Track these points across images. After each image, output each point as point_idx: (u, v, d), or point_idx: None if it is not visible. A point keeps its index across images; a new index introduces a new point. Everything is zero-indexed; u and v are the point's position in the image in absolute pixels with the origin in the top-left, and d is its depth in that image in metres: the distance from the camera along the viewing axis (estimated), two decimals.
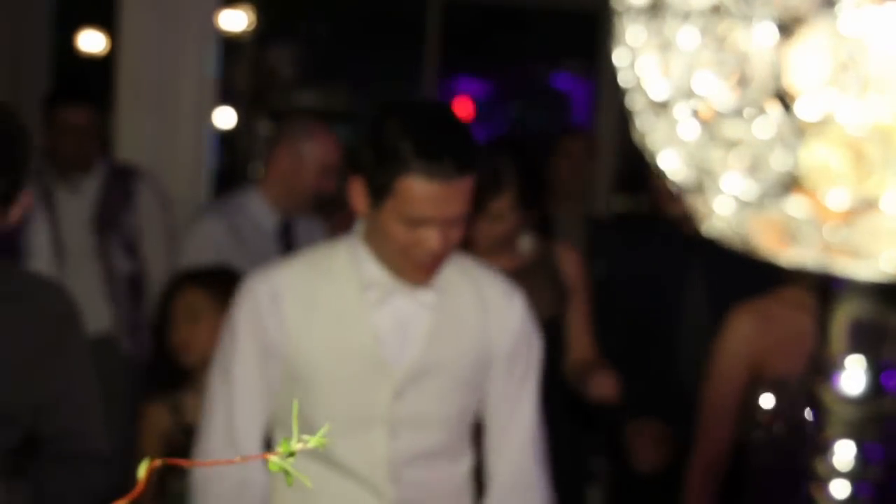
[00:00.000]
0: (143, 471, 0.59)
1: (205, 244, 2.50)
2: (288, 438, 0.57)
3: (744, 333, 1.68)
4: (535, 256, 2.15)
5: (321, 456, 1.47)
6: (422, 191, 1.38)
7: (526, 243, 2.16)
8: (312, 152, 2.55)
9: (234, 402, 1.51)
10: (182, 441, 1.98)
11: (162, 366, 2.03)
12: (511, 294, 1.57)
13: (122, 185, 3.04)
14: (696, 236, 2.09)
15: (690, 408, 1.99)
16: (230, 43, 5.25)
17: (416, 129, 1.41)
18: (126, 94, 3.71)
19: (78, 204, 2.99)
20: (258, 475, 1.50)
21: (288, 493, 1.51)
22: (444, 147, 1.40)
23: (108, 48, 5.56)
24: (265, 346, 1.50)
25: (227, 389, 1.52)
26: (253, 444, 1.52)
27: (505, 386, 1.60)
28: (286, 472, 0.56)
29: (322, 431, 0.52)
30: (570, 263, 2.17)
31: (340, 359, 1.49)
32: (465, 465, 1.61)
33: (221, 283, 2.04)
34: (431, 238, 1.41)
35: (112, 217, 2.96)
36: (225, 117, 5.70)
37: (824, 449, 0.47)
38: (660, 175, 0.50)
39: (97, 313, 2.88)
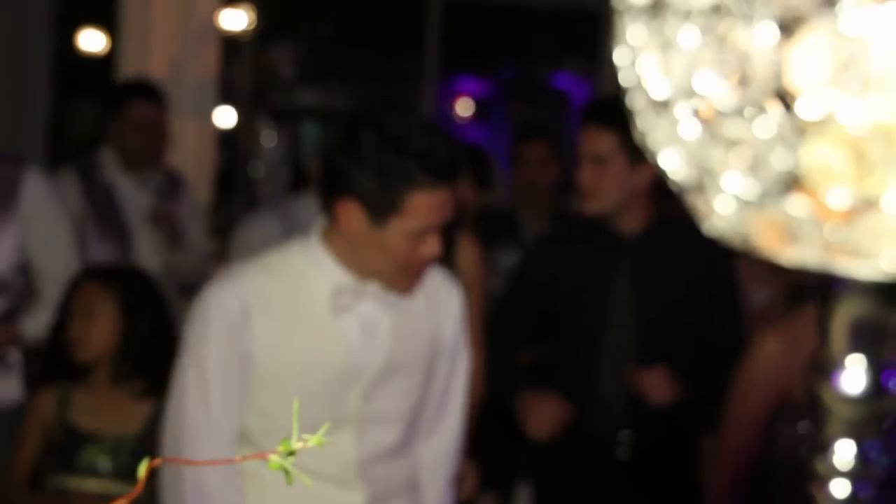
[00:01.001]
0: (142, 470, 0.59)
1: (253, 242, 2.51)
2: (288, 437, 0.57)
3: (771, 354, 1.68)
4: None
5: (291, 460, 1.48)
6: (429, 203, 1.41)
7: None
8: None
9: (210, 404, 1.51)
10: (61, 439, 1.96)
11: (57, 359, 2.03)
12: (449, 283, 1.61)
13: (172, 184, 3.10)
14: (625, 236, 2.10)
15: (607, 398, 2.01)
16: (231, 42, 5.25)
17: (409, 143, 1.43)
18: None
19: (142, 198, 3.03)
20: (214, 479, 1.50)
21: (262, 494, 1.52)
22: (440, 156, 1.42)
23: (108, 47, 5.56)
24: (239, 356, 1.51)
25: (201, 393, 1.52)
26: (230, 443, 1.52)
27: (443, 370, 1.63)
28: (286, 472, 0.57)
29: (322, 430, 0.52)
30: (467, 258, 2.15)
31: (311, 367, 1.50)
32: (416, 455, 1.63)
33: (120, 281, 2.04)
34: (432, 245, 1.44)
35: (168, 211, 3.01)
36: (225, 117, 5.70)
37: (824, 448, 0.47)
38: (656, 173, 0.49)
39: None
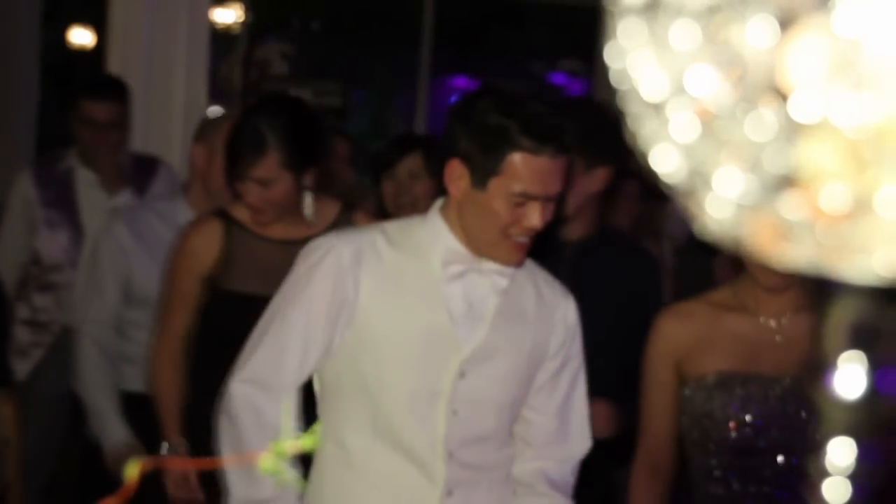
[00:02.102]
0: (133, 471, 0.59)
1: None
2: (282, 439, 0.57)
3: (665, 333, 1.74)
4: (328, 224, 2.12)
5: (381, 430, 1.51)
6: (530, 166, 1.45)
7: (308, 206, 2.13)
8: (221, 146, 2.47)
9: (283, 343, 1.55)
10: None
11: None
12: (566, 295, 1.64)
13: (142, 174, 3.07)
14: (567, 243, 2.08)
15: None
16: (222, 38, 5.23)
17: (518, 107, 1.49)
18: None
19: (101, 192, 3.01)
20: (277, 416, 1.54)
21: (337, 466, 1.54)
22: (548, 124, 1.47)
23: (97, 43, 5.54)
24: (339, 304, 1.54)
25: (291, 312, 1.55)
26: (299, 372, 1.56)
27: (555, 388, 1.64)
28: (277, 473, 0.56)
29: (316, 430, 0.52)
30: None
31: (413, 331, 1.53)
32: (511, 452, 1.64)
33: None
34: (534, 214, 1.48)
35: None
36: (216, 114, 5.69)
37: (818, 449, 0.47)
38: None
39: None
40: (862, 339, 0.45)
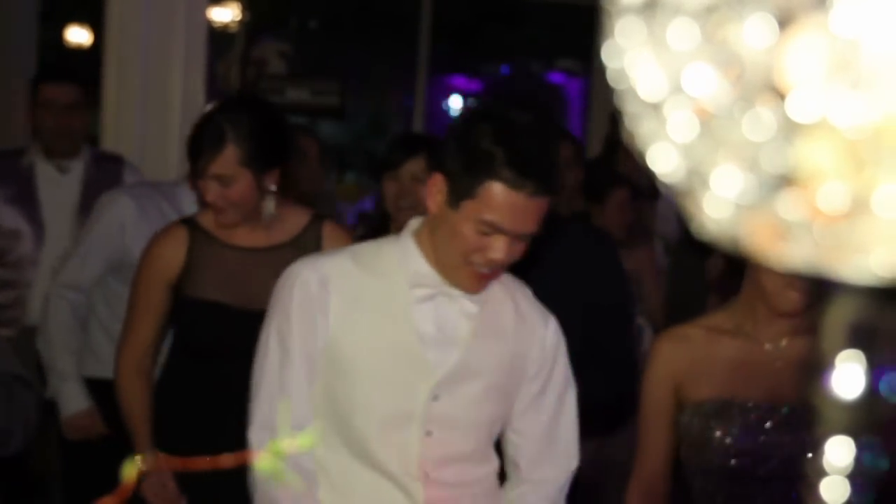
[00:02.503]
0: (130, 471, 0.59)
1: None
2: (278, 439, 0.57)
3: (663, 357, 1.73)
4: (296, 233, 2.10)
5: (356, 451, 1.50)
6: (504, 199, 1.43)
7: (270, 207, 2.11)
8: None
9: (288, 368, 1.55)
10: None
11: None
12: (547, 316, 1.63)
13: (108, 171, 3.03)
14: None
15: None
16: (219, 37, 5.22)
17: (510, 138, 1.46)
18: (113, 88, 3.69)
19: (64, 188, 2.98)
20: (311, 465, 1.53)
21: (322, 486, 1.54)
22: (535, 162, 1.45)
23: (94, 42, 5.52)
24: (314, 334, 1.53)
25: (283, 361, 1.55)
26: (306, 404, 1.55)
27: (539, 410, 1.63)
28: (276, 474, 0.56)
29: (311, 430, 0.52)
30: (334, 243, 2.13)
31: (381, 355, 1.52)
32: (491, 469, 1.64)
33: None
34: (498, 247, 1.45)
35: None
36: None
37: (815, 449, 0.47)
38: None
39: None
40: (860, 339, 0.44)
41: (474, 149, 1.45)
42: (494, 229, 1.44)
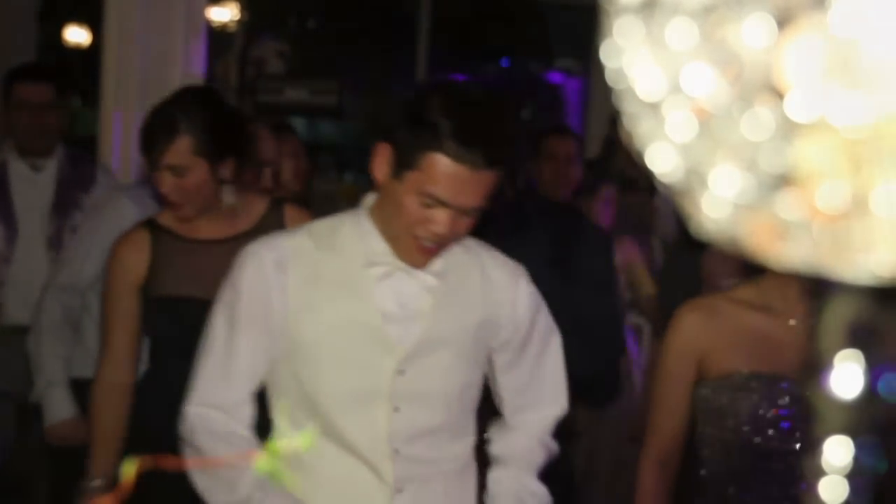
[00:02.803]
0: (130, 469, 0.59)
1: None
2: (276, 438, 0.57)
3: (689, 330, 1.70)
4: (257, 220, 2.09)
5: (324, 430, 1.49)
6: (446, 171, 1.40)
7: (228, 197, 2.10)
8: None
9: (234, 347, 1.53)
10: None
11: None
12: (517, 275, 1.59)
13: (81, 171, 3.01)
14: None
15: None
16: (218, 36, 5.21)
17: (458, 110, 1.43)
18: (112, 88, 3.68)
19: (37, 187, 2.97)
20: (245, 432, 1.52)
21: (291, 466, 1.53)
22: (480, 135, 1.42)
23: (93, 42, 5.52)
24: (269, 312, 1.52)
25: (229, 333, 1.54)
26: (247, 388, 1.54)
27: (519, 366, 1.62)
28: (274, 474, 0.56)
29: (310, 433, 0.51)
30: (296, 225, 2.11)
31: (343, 334, 1.51)
32: (467, 443, 1.62)
33: None
34: (441, 220, 1.43)
35: (71, 204, 2.93)
36: None
37: (814, 449, 0.47)
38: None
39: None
40: (859, 338, 0.44)
41: (420, 119, 1.42)
42: (437, 202, 1.42)
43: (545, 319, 1.63)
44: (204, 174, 1.98)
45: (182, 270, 2.02)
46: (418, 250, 1.45)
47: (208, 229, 2.03)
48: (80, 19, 5.90)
